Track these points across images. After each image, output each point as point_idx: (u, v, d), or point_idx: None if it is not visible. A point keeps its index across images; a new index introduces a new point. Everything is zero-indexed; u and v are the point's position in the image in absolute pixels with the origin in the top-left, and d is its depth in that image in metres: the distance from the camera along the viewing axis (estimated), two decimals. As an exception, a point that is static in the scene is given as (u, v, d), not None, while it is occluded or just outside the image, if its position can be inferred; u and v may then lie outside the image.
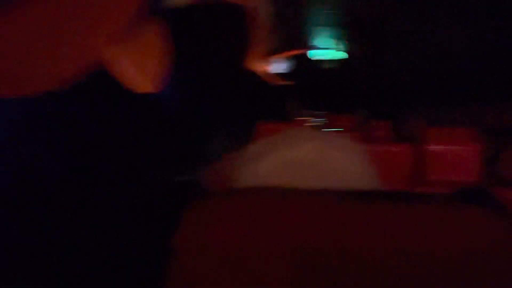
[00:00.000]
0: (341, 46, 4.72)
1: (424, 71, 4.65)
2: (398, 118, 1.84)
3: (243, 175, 0.47)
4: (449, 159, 1.36)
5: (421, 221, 0.28)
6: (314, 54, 4.99)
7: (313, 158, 0.46)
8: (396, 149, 1.34)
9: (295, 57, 5.03)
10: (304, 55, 5.00)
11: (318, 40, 4.66)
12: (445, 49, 3.72)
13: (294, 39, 4.60)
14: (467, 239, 0.26)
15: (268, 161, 0.47)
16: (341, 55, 4.94)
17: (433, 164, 1.34)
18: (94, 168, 0.34)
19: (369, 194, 0.36)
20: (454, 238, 0.26)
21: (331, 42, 4.65)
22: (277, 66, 4.92)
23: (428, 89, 5.16)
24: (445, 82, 4.67)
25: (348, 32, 4.16)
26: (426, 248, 0.26)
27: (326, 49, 4.83)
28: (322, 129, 1.68)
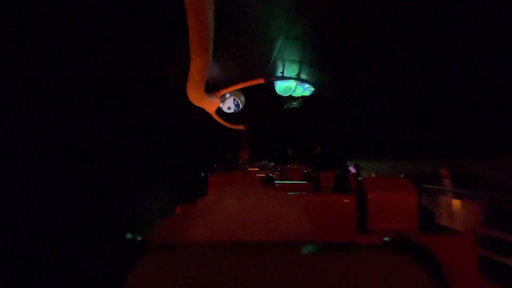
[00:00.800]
0: (305, 79, 3.87)
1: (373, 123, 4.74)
2: (342, 169, 1.96)
3: (192, 228, 0.47)
4: (388, 209, 1.46)
5: (353, 269, 0.31)
6: (276, 87, 4.01)
7: (259, 211, 0.48)
8: (340, 199, 1.42)
9: (251, 91, 4.02)
10: (265, 86, 3.98)
11: (280, 71, 3.75)
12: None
13: (251, 70, 3.71)
14: (391, 284, 0.30)
15: (216, 215, 0.48)
16: (305, 90, 4.07)
17: (374, 214, 1.43)
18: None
19: (310, 245, 0.39)
20: (380, 283, 0.30)
21: (294, 74, 3.78)
22: (230, 102, 4.05)
23: (372, 142, 5.33)
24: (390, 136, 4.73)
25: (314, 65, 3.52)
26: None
27: (288, 80, 3.85)
28: (274, 180, 1.73)
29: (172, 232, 0.44)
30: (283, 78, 3.83)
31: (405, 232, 1.41)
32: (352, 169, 4.92)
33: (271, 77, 3.78)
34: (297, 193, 1.47)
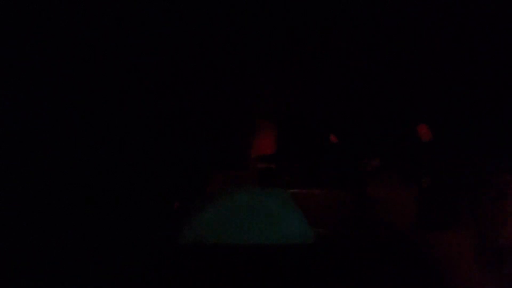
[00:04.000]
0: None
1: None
2: (338, 161, 1.96)
3: (186, 228, 0.48)
4: (387, 204, 1.46)
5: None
6: None
7: (249, 211, 0.49)
8: (338, 194, 1.42)
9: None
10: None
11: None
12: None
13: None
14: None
15: (207, 214, 0.48)
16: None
17: (369, 208, 1.44)
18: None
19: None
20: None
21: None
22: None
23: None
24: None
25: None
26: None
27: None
28: (273, 172, 1.71)
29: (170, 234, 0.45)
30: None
31: (402, 228, 1.41)
32: None
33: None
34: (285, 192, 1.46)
